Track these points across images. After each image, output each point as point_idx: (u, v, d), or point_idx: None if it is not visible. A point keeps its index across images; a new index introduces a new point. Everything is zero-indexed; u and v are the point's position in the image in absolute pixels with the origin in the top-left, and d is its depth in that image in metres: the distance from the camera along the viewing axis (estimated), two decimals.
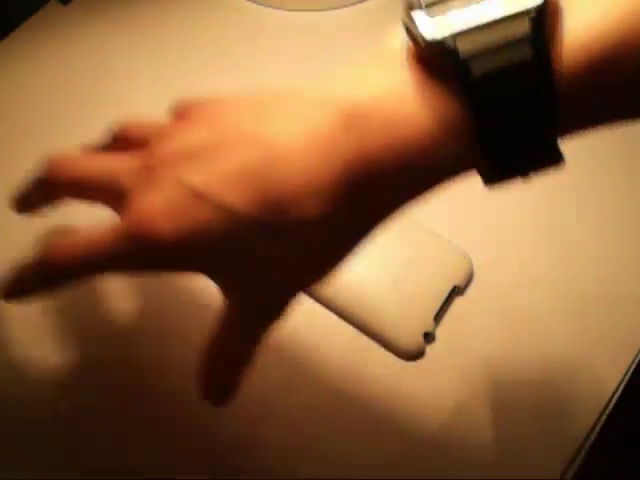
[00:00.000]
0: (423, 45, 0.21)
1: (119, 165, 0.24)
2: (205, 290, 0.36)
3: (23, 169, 0.41)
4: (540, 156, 0.22)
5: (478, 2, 0.20)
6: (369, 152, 0.21)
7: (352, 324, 0.36)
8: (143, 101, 0.43)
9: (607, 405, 0.35)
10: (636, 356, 0.36)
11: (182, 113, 0.26)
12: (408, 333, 0.35)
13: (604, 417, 0.35)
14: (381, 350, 0.36)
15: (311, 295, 0.37)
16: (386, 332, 0.35)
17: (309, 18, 0.48)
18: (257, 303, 0.25)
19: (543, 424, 0.34)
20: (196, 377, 0.26)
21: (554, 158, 0.22)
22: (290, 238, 0.22)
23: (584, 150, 0.44)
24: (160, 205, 0.22)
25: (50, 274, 0.25)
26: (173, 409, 0.34)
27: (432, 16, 0.21)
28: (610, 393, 0.35)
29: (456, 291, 0.37)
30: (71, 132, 0.42)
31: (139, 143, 0.25)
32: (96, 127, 0.42)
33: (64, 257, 0.24)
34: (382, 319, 0.35)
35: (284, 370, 0.35)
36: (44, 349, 0.35)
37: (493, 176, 0.22)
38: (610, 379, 0.36)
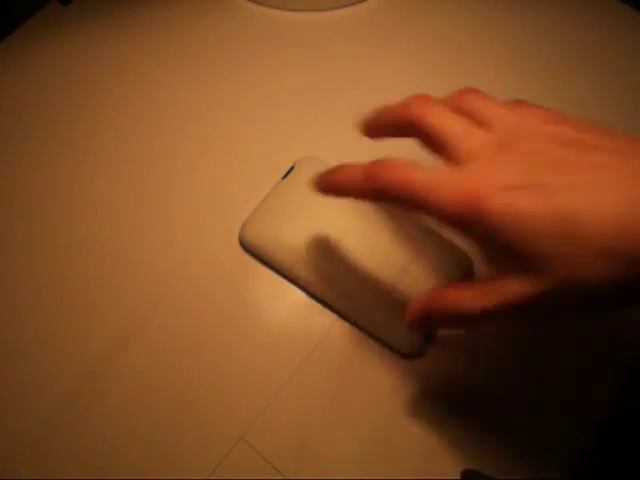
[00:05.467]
0: None
1: (477, 132, 0.26)
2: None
3: (23, 169, 0.41)
4: None
5: None
6: None
7: (352, 323, 0.36)
8: (143, 101, 0.43)
9: (607, 404, 0.35)
10: (636, 356, 0.36)
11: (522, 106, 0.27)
12: (408, 332, 0.35)
13: (604, 417, 0.35)
14: (381, 349, 0.36)
15: (311, 294, 0.37)
16: (386, 331, 0.35)
17: (309, 18, 0.48)
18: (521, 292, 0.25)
19: (543, 424, 0.34)
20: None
21: None
22: (614, 267, 0.23)
23: None
24: (502, 183, 0.24)
25: (373, 182, 0.27)
26: None
27: None
28: (610, 392, 0.35)
29: None
30: (71, 132, 0.42)
31: (479, 119, 0.27)
32: (96, 127, 0.43)
33: (392, 173, 0.26)
34: (382, 318, 0.35)
35: (282, 370, 0.35)
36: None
37: None
38: (611, 378, 0.36)
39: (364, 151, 0.42)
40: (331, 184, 0.30)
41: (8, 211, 0.39)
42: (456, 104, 0.28)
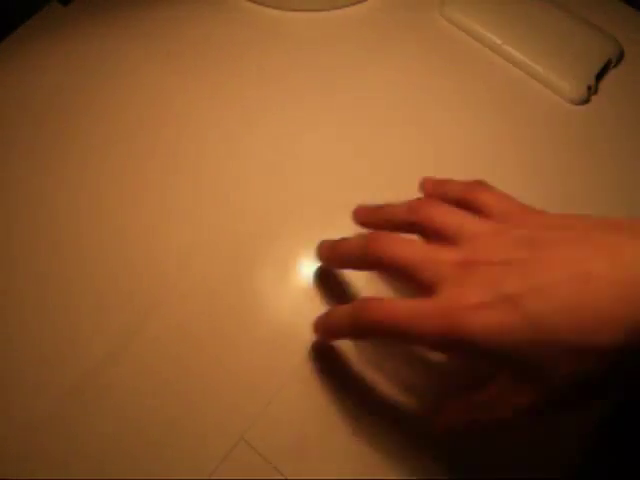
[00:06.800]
0: None
1: (437, 255, 0.27)
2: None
3: (23, 169, 0.41)
4: None
5: None
6: None
7: (523, 69, 0.45)
8: (143, 102, 0.43)
9: (607, 405, 0.35)
10: None
11: (486, 208, 0.29)
12: (574, 82, 0.44)
13: (604, 417, 0.35)
14: (551, 94, 0.45)
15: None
16: (556, 78, 0.45)
17: (309, 18, 0.48)
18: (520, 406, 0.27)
19: (542, 424, 0.34)
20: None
21: None
22: (587, 360, 0.24)
23: None
24: (473, 303, 0.25)
25: (357, 324, 0.29)
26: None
27: None
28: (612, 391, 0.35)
29: (610, 64, 0.46)
30: (71, 133, 0.42)
31: (444, 235, 0.28)
32: (96, 128, 0.42)
33: (374, 312, 0.28)
34: (553, 67, 0.45)
35: (283, 368, 0.35)
36: None
37: None
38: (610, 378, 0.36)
39: (362, 149, 0.43)
40: (323, 329, 0.33)
41: (7, 209, 0.39)
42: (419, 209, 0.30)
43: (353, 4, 0.48)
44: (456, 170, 0.42)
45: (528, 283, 0.25)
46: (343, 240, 0.32)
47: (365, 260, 0.30)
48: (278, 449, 0.33)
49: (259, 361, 0.36)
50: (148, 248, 0.38)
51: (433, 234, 0.29)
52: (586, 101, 0.45)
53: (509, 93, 0.46)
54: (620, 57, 0.47)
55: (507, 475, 0.33)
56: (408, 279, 0.28)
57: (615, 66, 0.47)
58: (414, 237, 0.30)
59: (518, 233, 0.27)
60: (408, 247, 0.28)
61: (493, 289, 0.25)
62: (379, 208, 0.32)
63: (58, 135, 0.42)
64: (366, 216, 0.33)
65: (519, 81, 0.46)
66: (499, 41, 0.47)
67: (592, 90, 0.45)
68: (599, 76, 0.46)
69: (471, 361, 0.28)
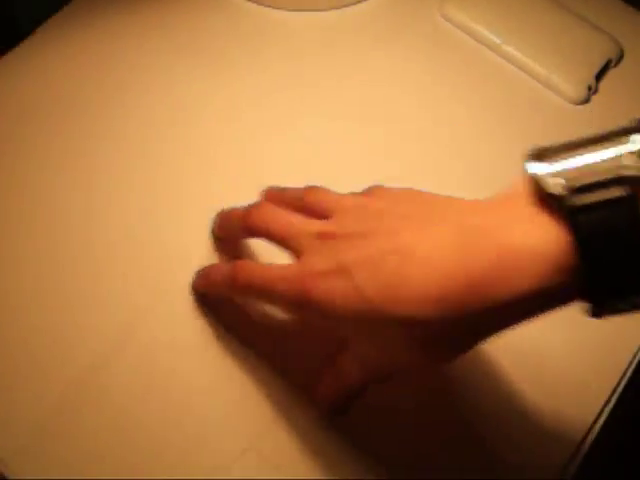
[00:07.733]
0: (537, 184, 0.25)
1: (303, 227, 0.31)
2: None
3: (27, 172, 0.41)
4: None
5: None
6: (484, 279, 0.25)
7: (523, 69, 0.46)
8: (143, 102, 0.43)
9: (606, 405, 0.35)
10: (635, 356, 0.37)
11: (366, 196, 0.31)
12: (574, 82, 0.45)
13: (603, 417, 0.35)
14: (551, 94, 0.45)
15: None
16: (556, 78, 0.45)
17: (309, 18, 0.48)
18: (369, 369, 0.31)
19: (543, 424, 0.35)
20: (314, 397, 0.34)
21: None
22: (398, 329, 0.27)
23: None
24: (318, 270, 0.28)
25: (234, 284, 0.32)
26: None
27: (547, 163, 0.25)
28: (609, 392, 0.35)
29: (610, 64, 0.46)
30: (75, 134, 0.42)
31: (322, 213, 0.31)
32: (97, 128, 0.42)
33: (246, 274, 0.31)
34: (553, 67, 0.45)
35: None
36: None
37: (599, 312, 0.25)
38: (609, 378, 0.36)
39: (362, 147, 0.43)
40: (204, 287, 0.36)
41: (6, 209, 0.39)
42: (296, 196, 0.33)
43: (353, 4, 0.48)
44: (455, 168, 0.42)
45: (363, 255, 0.27)
46: (231, 210, 0.36)
47: (245, 230, 0.34)
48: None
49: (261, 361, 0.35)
50: (146, 250, 0.38)
51: (312, 210, 0.32)
52: (586, 101, 0.45)
53: (509, 93, 0.46)
54: (620, 57, 0.47)
55: (507, 476, 0.33)
56: (281, 247, 0.32)
57: (615, 66, 0.47)
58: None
59: (375, 206, 0.30)
60: (280, 219, 0.32)
61: (335, 259, 0.28)
62: (280, 191, 0.35)
63: (61, 136, 0.41)
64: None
65: (519, 81, 0.46)
66: (499, 41, 0.47)
67: (592, 90, 0.45)
68: (599, 76, 0.46)
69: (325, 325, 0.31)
